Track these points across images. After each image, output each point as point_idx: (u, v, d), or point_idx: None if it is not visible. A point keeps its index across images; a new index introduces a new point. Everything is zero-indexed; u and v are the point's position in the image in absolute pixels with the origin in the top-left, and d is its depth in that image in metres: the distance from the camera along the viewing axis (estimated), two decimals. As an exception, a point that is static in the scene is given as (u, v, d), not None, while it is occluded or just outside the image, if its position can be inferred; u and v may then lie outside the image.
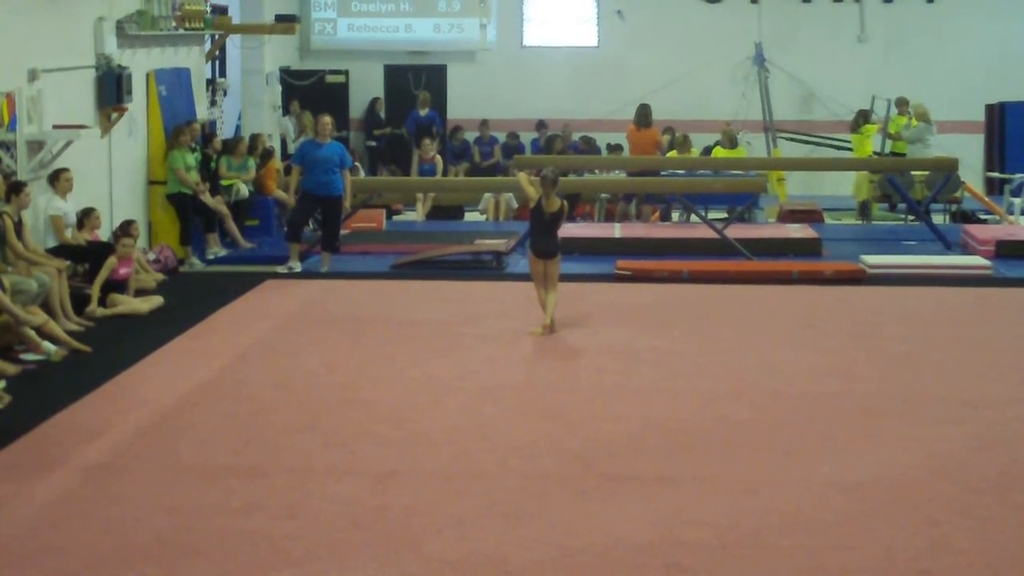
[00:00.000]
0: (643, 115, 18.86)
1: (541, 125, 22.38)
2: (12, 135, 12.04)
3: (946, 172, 17.64)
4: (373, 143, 22.49)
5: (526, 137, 22.49)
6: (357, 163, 19.68)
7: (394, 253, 15.63)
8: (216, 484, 7.64)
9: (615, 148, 21.08)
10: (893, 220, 19.78)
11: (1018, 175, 19.65)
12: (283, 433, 8.69)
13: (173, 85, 15.94)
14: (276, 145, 19.60)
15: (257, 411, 9.23)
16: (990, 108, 22.48)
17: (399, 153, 22.13)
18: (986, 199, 19.65)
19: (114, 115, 14.28)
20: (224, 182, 16.37)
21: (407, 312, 12.63)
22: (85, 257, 12.80)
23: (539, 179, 11.87)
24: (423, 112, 21.89)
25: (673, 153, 19.01)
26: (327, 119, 15.02)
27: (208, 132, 16.99)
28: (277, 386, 9.92)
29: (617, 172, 19.16)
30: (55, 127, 12.85)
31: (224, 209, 15.98)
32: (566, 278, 12.42)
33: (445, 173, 20.95)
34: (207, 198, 15.42)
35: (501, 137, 22.43)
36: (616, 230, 17.07)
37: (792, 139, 22.14)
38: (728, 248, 15.44)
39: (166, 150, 15.26)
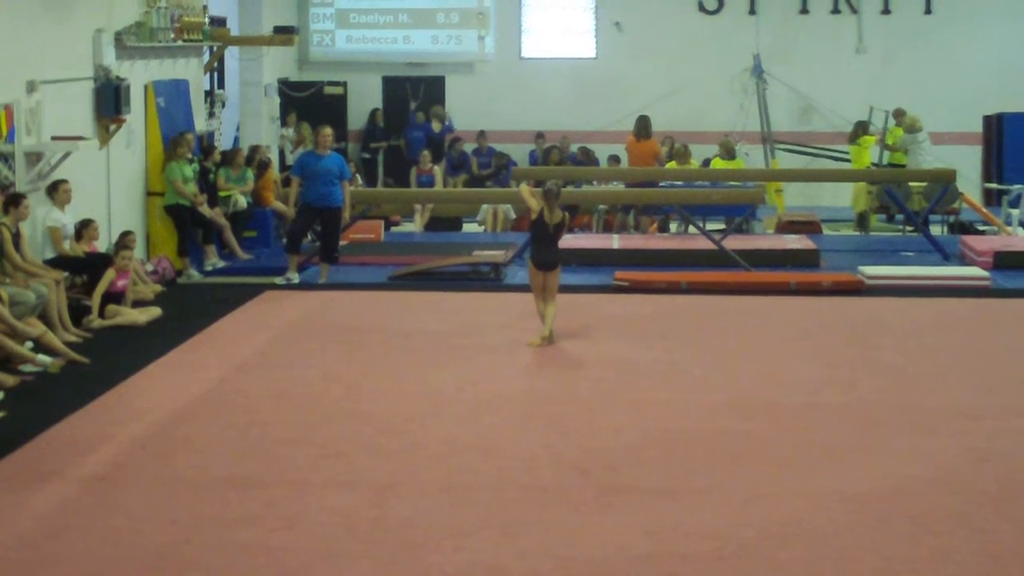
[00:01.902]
0: (642, 127, 19.01)
1: (540, 136, 22.39)
2: (10, 147, 12.04)
3: (944, 183, 17.66)
4: (367, 155, 22.48)
5: (524, 148, 22.50)
6: (356, 174, 19.73)
7: (392, 264, 15.62)
8: (214, 496, 7.64)
9: (613, 159, 21.08)
10: (891, 231, 19.79)
11: (1016, 186, 19.66)
12: (281, 444, 8.69)
13: (171, 97, 15.95)
14: (274, 157, 19.60)
15: (255, 422, 9.22)
16: (988, 119, 22.49)
17: (396, 166, 22.13)
18: (984, 210, 19.64)
19: (112, 127, 14.28)
20: (222, 193, 16.37)
21: (405, 323, 12.62)
22: (83, 268, 12.79)
23: (542, 191, 11.86)
24: (436, 128, 21.89)
25: (672, 164, 19.04)
26: (327, 131, 15.04)
27: (207, 144, 17.00)
28: (275, 397, 9.91)
29: (615, 183, 19.17)
30: (53, 139, 12.85)
31: (222, 220, 15.98)
32: (564, 289, 12.41)
33: (444, 184, 20.96)
34: (205, 209, 15.42)
35: (499, 148, 22.42)
36: (614, 241, 17.07)
37: (790, 150, 22.13)
38: (726, 259, 15.44)
39: (164, 161, 15.26)
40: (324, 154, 14.76)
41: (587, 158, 21.59)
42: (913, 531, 7.11)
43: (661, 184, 17.85)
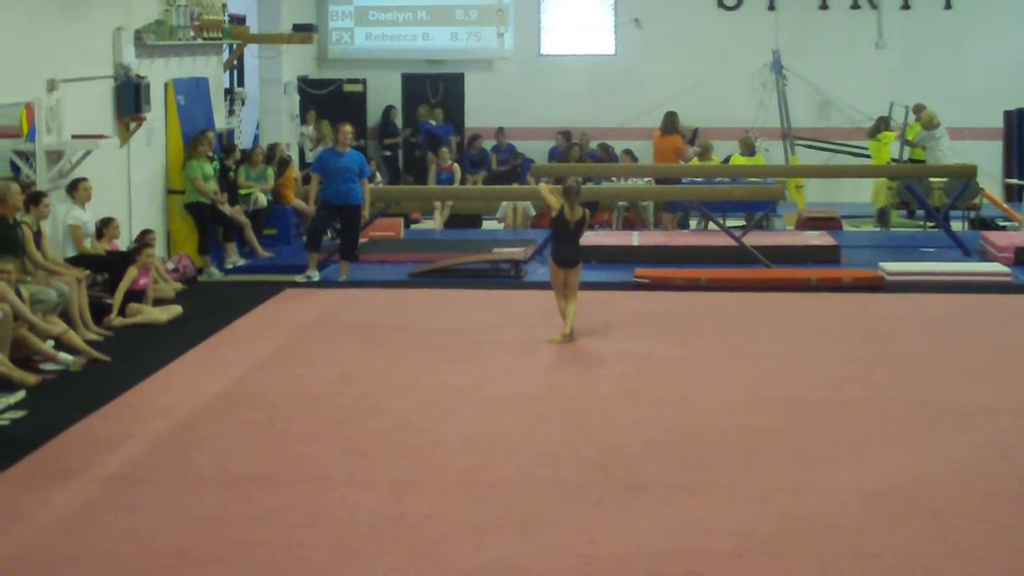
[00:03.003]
0: (669, 122, 19.16)
1: (562, 133, 22.34)
2: (31, 145, 12.09)
3: (964, 179, 17.60)
4: (388, 152, 22.51)
5: (543, 145, 22.48)
6: (377, 171, 19.75)
7: (412, 262, 15.63)
8: (235, 493, 7.66)
9: (627, 154, 20.98)
10: (912, 227, 19.74)
11: (1037, 181, 19.64)
12: (301, 442, 8.71)
13: (191, 95, 16.00)
14: (294, 154, 19.64)
15: (275, 420, 9.24)
16: (1008, 114, 22.39)
17: (416, 163, 22.15)
18: (1005, 206, 19.58)
19: (133, 125, 14.33)
20: (242, 191, 16.41)
21: (425, 321, 12.64)
22: (104, 267, 12.84)
23: (562, 188, 11.85)
24: (434, 123, 21.97)
25: (695, 162, 19.01)
26: (348, 128, 15.07)
27: (227, 142, 17.04)
28: (295, 395, 9.94)
29: (633, 180, 19.15)
30: (74, 137, 12.90)
31: (243, 218, 16.02)
32: (585, 286, 12.38)
33: (463, 181, 20.96)
34: (225, 207, 15.46)
35: (518, 145, 22.45)
36: (634, 238, 17.06)
37: (810, 146, 22.08)
38: (746, 256, 15.41)
39: (184, 159, 15.30)
40: (344, 152, 14.80)
41: (607, 155, 21.57)
42: (932, 527, 7.09)
43: (684, 180, 17.85)
